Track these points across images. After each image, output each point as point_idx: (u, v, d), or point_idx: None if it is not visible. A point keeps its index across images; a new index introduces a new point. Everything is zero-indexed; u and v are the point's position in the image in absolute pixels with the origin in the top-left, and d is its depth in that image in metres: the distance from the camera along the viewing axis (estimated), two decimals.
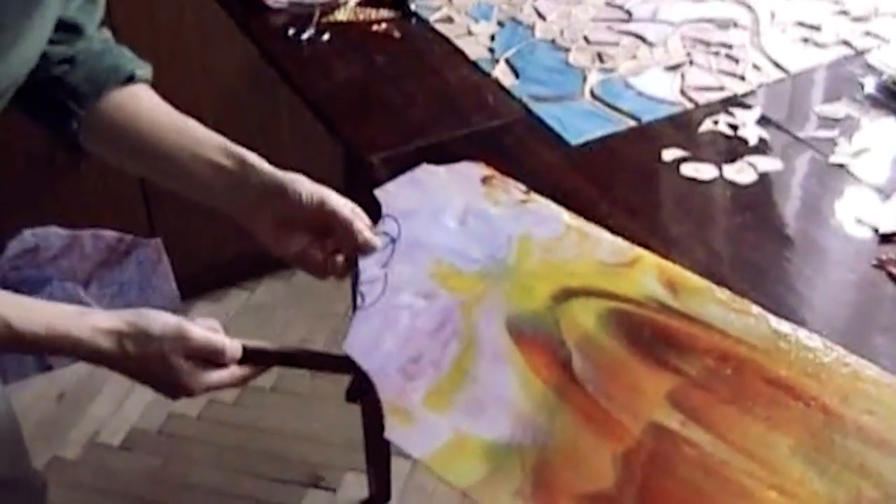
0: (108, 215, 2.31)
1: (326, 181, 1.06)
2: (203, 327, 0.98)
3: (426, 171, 1.17)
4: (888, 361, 0.93)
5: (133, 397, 2.33)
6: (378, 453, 1.99)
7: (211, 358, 0.97)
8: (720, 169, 1.21)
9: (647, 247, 1.06)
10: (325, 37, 1.50)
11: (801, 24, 1.53)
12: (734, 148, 1.25)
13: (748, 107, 1.33)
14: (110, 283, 2.36)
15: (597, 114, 1.32)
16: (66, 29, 1.07)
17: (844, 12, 1.55)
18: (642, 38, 1.50)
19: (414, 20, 1.56)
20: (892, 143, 1.27)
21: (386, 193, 1.13)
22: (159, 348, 0.94)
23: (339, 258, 1.07)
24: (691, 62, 1.44)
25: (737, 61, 1.43)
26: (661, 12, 1.57)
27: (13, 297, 0.94)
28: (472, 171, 1.17)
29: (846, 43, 1.48)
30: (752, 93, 1.37)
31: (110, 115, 1.08)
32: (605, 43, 1.49)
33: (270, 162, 1.06)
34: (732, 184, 1.19)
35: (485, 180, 1.15)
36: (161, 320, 0.96)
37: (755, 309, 0.98)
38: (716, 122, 1.30)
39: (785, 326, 0.96)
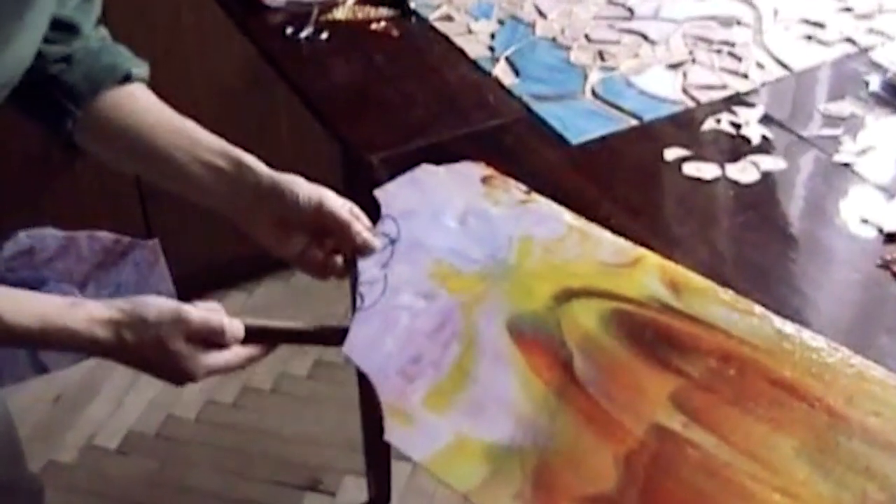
0: (104, 216, 2.31)
1: (325, 182, 1.06)
2: (202, 308, 0.97)
3: (426, 171, 1.17)
4: (894, 362, 0.93)
5: (130, 399, 2.33)
6: (378, 456, 1.99)
7: (211, 339, 0.96)
8: (723, 168, 1.21)
9: (648, 247, 1.06)
10: (324, 35, 1.50)
11: (804, 21, 1.53)
12: (737, 147, 1.25)
13: (751, 105, 1.33)
14: (107, 284, 2.37)
15: (598, 113, 1.32)
16: (63, 28, 1.07)
17: (848, 9, 1.55)
18: (644, 36, 1.50)
19: (413, 19, 1.56)
20: None
21: (385, 194, 1.13)
22: (157, 334, 0.94)
23: (339, 259, 1.07)
24: (693, 60, 1.44)
25: (739, 59, 1.43)
26: (663, 10, 1.57)
27: (4, 289, 0.93)
28: (473, 170, 1.17)
29: (850, 40, 1.48)
30: (754, 91, 1.37)
31: (106, 115, 1.08)
32: (607, 41, 1.49)
33: (269, 162, 1.06)
34: (735, 183, 1.19)
35: (485, 180, 1.15)
36: (157, 305, 0.95)
37: (758, 309, 0.98)
38: (718, 121, 1.30)
39: (789, 327, 0.96)
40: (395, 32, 1.52)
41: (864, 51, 1.46)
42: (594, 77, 1.40)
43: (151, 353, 0.95)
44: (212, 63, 2.26)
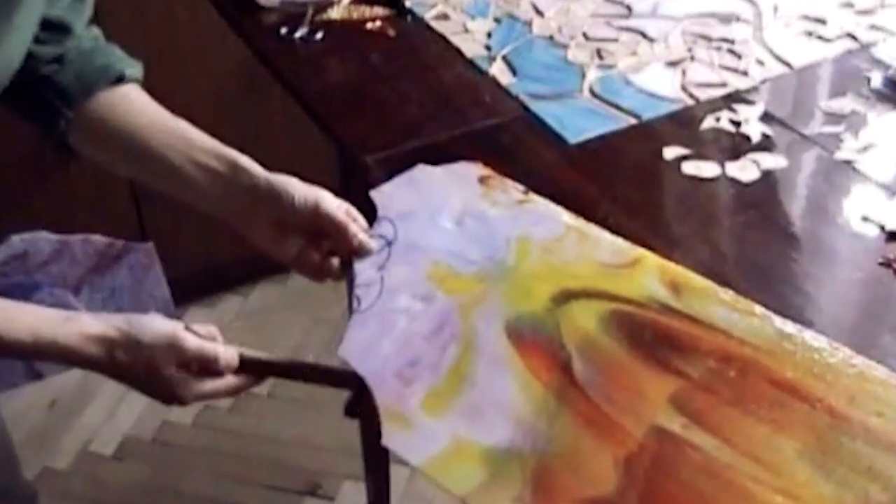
0: (98, 219, 2.31)
1: (322, 183, 1.06)
2: (199, 334, 0.98)
3: (422, 172, 1.17)
4: None
5: (125, 405, 2.33)
6: (377, 460, 1.98)
7: (204, 367, 0.97)
8: (723, 167, 1.21)
9: (648, 247, 1.06)
10: (319, 35, 1.51)
11: (804, 17, 1.53)
12: (737, 145, 1.25)
13: (751, 103, 1.33)
14: (101, 288, 2.37)
15: (596, 111, 1.32)
16: (54, 28, 1.07)
17: (849, 5, 1.55)
18: (642, 34, 1.50)
19: (409, 18, 1.56)
20: None
21: (381, 195, 1.13)
22: (150, 357, 0.94)
23: (335, 261, 1.07)
24: (692, 58, 1.44)
25: (739, 56, 1.43)
26: (661, 7, 1.57)
27: None
28: (470, 171, 1.17)
29: (851, 36, 1.48)
30: (754, 89, 1.37)
31: (100, 116, 1.08)
32: (605, 39, 1.49)
33: (264, 164, 1.06)
34: (735, 182, 1.19)
35: (482, 180, 1.16)
36: (153, 328, 0.95)
37: (759, 309, 0.98)
38: (718, 119, 1.30)
39: (790, 327, 0.96)
40: (390, 32, 1.52)
41: (866, 47, 1.46)
42: (592, 75, 1.40)
43: (142, 374, 0.95)
44: (206, 64, 2.26)
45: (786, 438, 0.86)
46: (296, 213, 1.02)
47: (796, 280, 1.06)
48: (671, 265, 1.04)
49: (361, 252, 1.04)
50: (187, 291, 2.50)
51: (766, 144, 1.26)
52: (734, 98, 1.35)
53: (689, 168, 1.21)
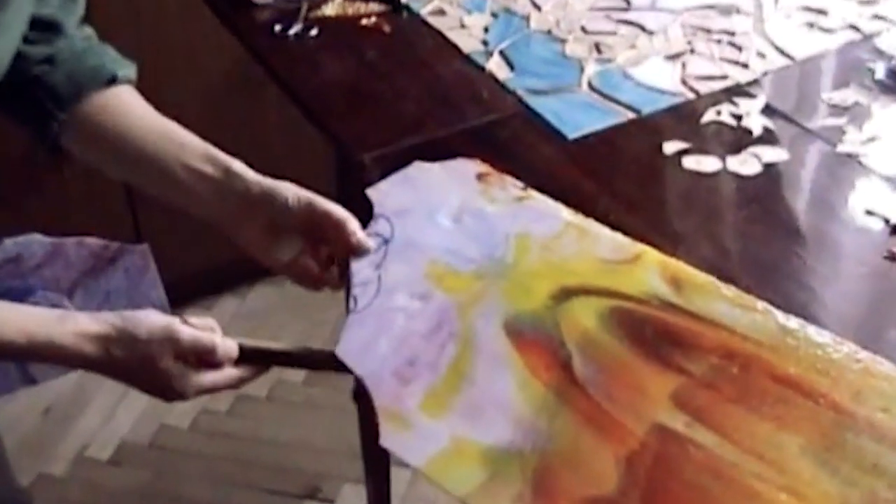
0: (92, 221, 2.31)
1: (318, 181, 1.06)
2: (196, 326, 0.97)
3: (419, 169, 1.17)
4: None
5: (122, 409, 2.33)
6: (377, 462, 1.98)
7: (203, 358, 0.97)
8: (723, 161, 1.21)
9: (648, 243, 1.06)
10: (313, 32, 1.51)
11: (806, 8, 1.53)
12: (738, 139, 1.26)
13: (752, 96, 1.33)
14: (96, 291, 2.37)
15: (595, 106, 1.33)
16: (45, 27, 1.07)
17: None
18: (641, 27, 1.50)
19: (405, 13, 1.56)
20: None
21: (378, 193, 1.13)
22: (147, 351, 0.94)
23: (335, 269, 1.06)
24: (692, 51, 1.44)
25: (740, 49, 1.44)
26: (660, 0, 1.57)
27: None
28: (467, 167, 1.17)
29: (854, 27, 1.48)
30: (756, 81, 1.37)
31: (92, 118, 1.08)
32: (603, 32, 1.49)
33: (259, 163, 1.06)
34: (737, 176, 1.19)
35: (480, 177, 1.16)
36: (148, 322, 0.95)
37: (761, 304, 0.98)
38: (718, 113, 1.30)
39: (793, 322, 0.96)
40: (386, 28, 1.52)
41: (869, 37, 1.46)
42: (590, 70, 1.40)
43: (140, 370, 0.95)
44: (200, 62, 2.26)
45: (790, 435, 0.86)
46: (290, 213, 1.02)
47: (800, 275, 1.06)
48: (672, 261, 1.04)
49: (359, 251, 1.04)
50: (184, 293, 2.50)
51: (767, 138, 1.26)
52: (735, 91, 1.35)
53: (690, 162, 1.22)
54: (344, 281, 1.06)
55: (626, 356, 0.93)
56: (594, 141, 1.27)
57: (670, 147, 1.24)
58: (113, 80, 1.09)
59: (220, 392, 1.01)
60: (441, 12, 1.56)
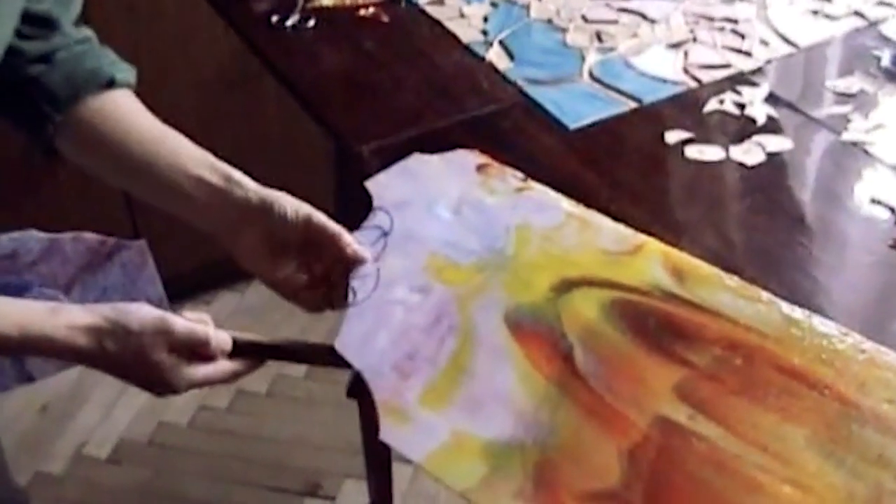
0: (89, 216, 2.31)
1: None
2: (190, 319, 0.98)
3: (419, 161, 1.17)
4: None
5: (120, 407, 2.33)
6: (378, 458, 1.98)
7: (196, 350, 0.97)
8: (727, 150, 1.21)
9: (651, 234, 1.06)
10: (311, 23, 1.51)
11: None
12: (741, 128, 1.26)
13: (755, 84, 1.33)
14: (93, 287, 2.37)
15: (596, 96, 1.33)
16: (40, 23, 1.06)
17: None
18: (643, 16, 1.50)
19: (403, 3, 1.56)
20: None
21: (377, 185, 1.13)
22: (139, 343, 0.94)
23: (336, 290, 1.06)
24: (695, 39, 1.44)
25: (743, 37, 1.43)
26: None
27: None
28: (467, 159, 1.17)
29: (859, 14, 1.48)
30: (759, 69, 1.37)
31: (89, 122, 1.07)
32: (604, 21, 1.49)
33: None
34: (740, 165, 1.19)
35: (480, 168, 1.16)
36: (141, 314, 0.95)
37: (765, 295, 0.98)
38: (721, 102, 1.30)
39: (797, 313, 0.96)
40: (384, 18, 1.52)
41: (874, 24, 1.46)
42: (592, 59, 1.40)
43: (133, 362, 0.95)
44: (197, 55, 2.26)
45: (794, 427, 0.86)
46: (287, 226, 1.02)
47: (804, 265, 1.06)
48: (674, 252, 1.04)
49: (356, 262, 1.04)
50: (182, 289, 2.51)
51: (771, 127, 1.26)
52: (738, 80, 1.35)
53: (693, 152, 1.22)
54: (342, 301, 1.05)
55: (628, 348, 0.94)
56: (595, 131, 1.27)
57: (672, 137, 1.24)
58: (111, 84, 1.09)
59: (213, 386, 1.00)
60: (440, 2, 1.56)
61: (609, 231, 1.07)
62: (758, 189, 1.16)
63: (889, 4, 1.49)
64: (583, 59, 1.40)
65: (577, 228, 1.07)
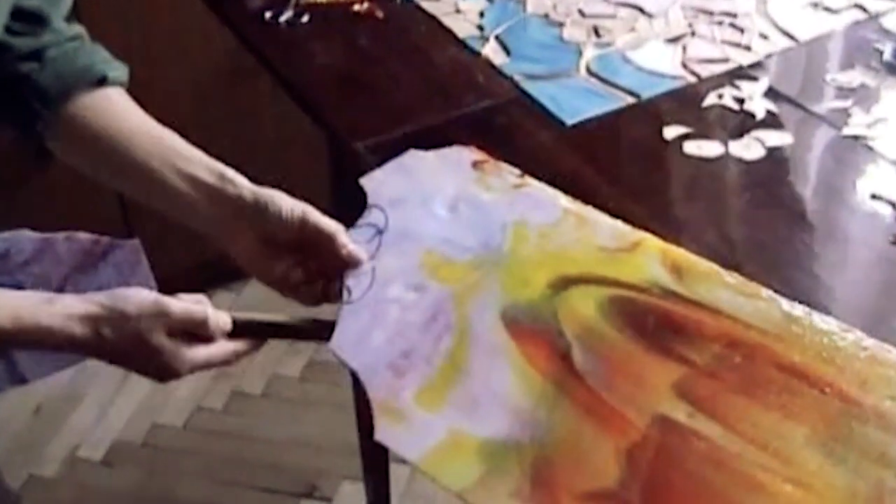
0: (81, 216, 2.31)
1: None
2: (186, 300, 0.97)
3: (414, 158, 1.17)
4: None
5: (114, 408, 2.33)
6: (375, 459, 1.99)
7: (195, 331, 0.96)
8: (726, 145, 1.21)
9: (649, 230, 1.06)
10: (305, 19, 1.50)
11: None
12: (741, 123, 1.25)
13: (755, 79, 1.33)
14: (86, 288, 2.36)
15: (593, 91, 1.32)
16: (30, 20, 1.06)
17: None
18: (641, 10, 1.50)
19: None
20: None
21: (372, 182, 1.13)
22: (137, 328, 0.93)
23: (320, 284, 1.06)
24: (693, 33, 1.44)
25: (742, 31, 1.43)
26: None
27: None
28: (463, 155, 1.17)
29: (859, 6, 1.48)
30: (758, 64, 1.37)
31: (79, 119, 1.07)
32: (602, 16, 1.49)
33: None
34: (740, 161, 1.19)
35: (476, 165, 1.16)
36: (136, 298, 0.95)
37: (765, 292, 0.98)
38: (720, 96, 1.30)
39: (798, 309, 0.96)
40: (379, 13, 1.52)
41: (875, 17, 1.46)
42: (589, 54, 1.40)
43: (131, 348, 0.94)
44: (190, 51, 2.26)
45: (795, 425, 0.86)
46: (282, 225, 1.01)
47: (805, 262, 1.06)
48: (673, 248, 1.04)
49: (352, 262, 1.03)
50: (176, 289, 2.45)
51: (771, 121, 1.25)
52: (737, 74, 1.35)
53: (691, 147, 1.21)
54: (338, 295, 1.05)
55: (626, 346, 0.93)
56: (593, 127, 1.26)
57: (671, 132, 1.24)
58: (103, 81, 1.08)
59: (214, 368, 1.00)
60: None
61: (607, 228, 1.07)
62: (757, 185, 1.16)
63: None
64: (580, 53, 1.40)
65: (575, 225, 1.07)
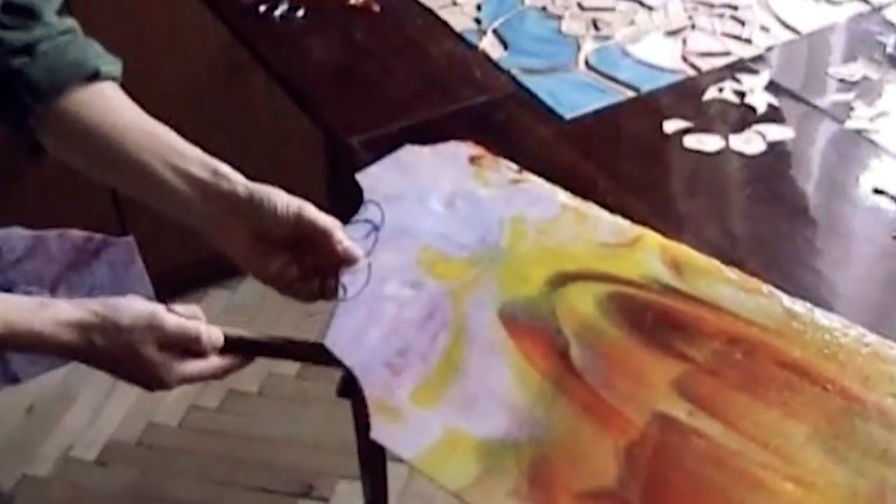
0: (74, 212, 2.31)
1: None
2: (181, 314, 0.98)
3: (410, 153, 1.17)
4: None
5: (108, 408, 2.33)
6: (373, 458, 1.98)
7: (187, 346, 0.97)
8: (726, 140, 1.21)
9: (649, 225, 1.06)
10: (300, 13, 1.50)
11: None
12: (741, 117, 1.25)
13: (756, 72, 1.33)
14: (80, 286, 2.37)
15: (592, 85, 1.32)
16: (21, 13, 1.06)
17: None
18: (640, 2, 1.49)
19: None
20: None
21: (368, 177, 1.13)
22: (129, 340, 0.94)
23: (316, 281, 1.06)
24: (693, 26, 1.44)
25: (743, 23, 1.43)
26: None
27: None
28: (460, 150, 1.17)
29: None
30: (760, 57, 1.37)
31: (72, 114, 1.06)
32: (601, 8, 1.49)
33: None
34: (740, 155, 1.19)
35: (473, 160, 1.15)
36: (131, 309, 0.95)
37: (766, 288, 0.98)
38: (721, 90, 1.30)
39: (799, 305, 0.96)
40: (374, 7, 1.52)
41: (878, 9, 1.46)
42: (588, 47, 1.40)
43: (122, 358, 0.95)
44: (184, 46, 2.26)
45: (796, 423, 0.86)
46: (277, 221, 1.01)
47: (806, 257, 1.06)
48: (673, 244, 1.04)
49: (347, 260, 1.03)
50: (171, 287, 2.50)
51: (772, 115, 1.25)
52: (738, 67, 1.35)
53: (692, 142, 1.21)
54: (335, 292, 1.05)
55: (625, 343, 0.93)
56: (592, 121, 1.26)
57: (671, 126, 1.24)
58: (95, 76, 1.08)
59: (203, 381, 1.01)
60: None
61: (606, 223, 1.06)
62: (759, 179, 1.16)
63: None
64: (578, 47, 1.40)
65: (573, 221, 1.07)
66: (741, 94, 1.29)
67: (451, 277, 1.01)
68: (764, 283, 0.99)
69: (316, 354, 0.99)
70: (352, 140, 1.24)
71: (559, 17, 1.47)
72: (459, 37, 1.45)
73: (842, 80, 1.31)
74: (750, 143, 1.20)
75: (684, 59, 1.37)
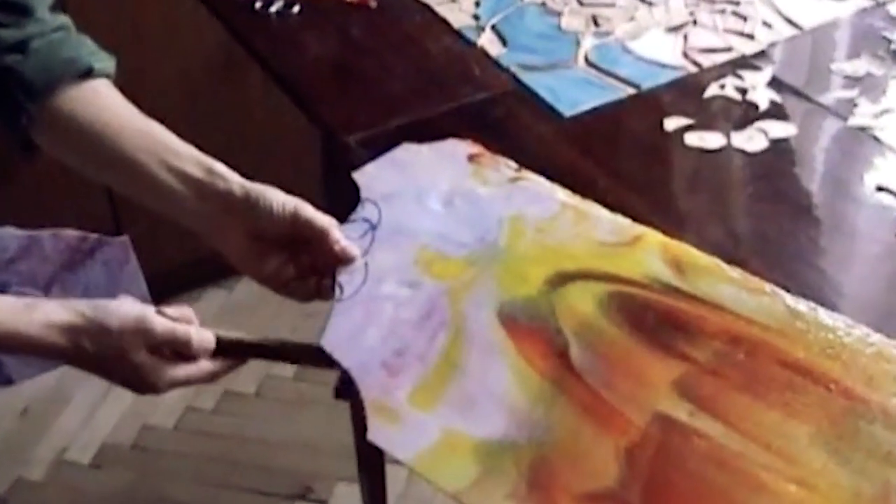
0: (69, 212, 2.31)
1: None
2: (171, 317, 0.98)
3: (408, 151, 1.17)
4: None
5: (103, 410, 2.33)
6: (371, 460, 1.98)
7: (178, 350, 0.97)
8: (728, 137, 1.21)
9: (649, 224, 1.06)
10: (296, 9, 1.50)
11: None
12: (743, 114, 1.25)
13: (758, 68, 1.33)
14: (74, 286, 2.36)
15: (592, 82, 1.32)
16: (13, 10, 1.05)
17: None
18: None
19: None
20: None
21: (365, 176, 1.13)
22: (118, 344, 0.94)
23: (312, 280, 1.06)
24: (695, 22, 1.44)
25: (745, 19, 1.43)
26: None
27: None
28: (458, 148, 1.17)
29: None
30: (762, 53, 1.37)
31: (65, 112, 1.06)
32: (601, 4, 1.49)
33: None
34: (742, 153, 1.19)
35: (472, 158, 1.15)
36: (121, 312, 0.95)
37: (769, 287, 0.98)
38: (722, 87, 1.30)
39: (802, 305, 0.96)
40: (372, 3, 1.52)
41: (882, 4, 1.46)
42: (587, 43, 1.40)
43: (111, 362, 0.95)
44: (180, 43, 2.26)
45: (799, 424, 0.86)
46: (273, 221, 1.01)
47: (810, 255, 1.06)
48: (674, 243, 1.03)
49: (345, 259, 1.03)
50: (167, 287, 2.49)
51: (774, 112, 1.25)
52: (740, 63, 1.35)
53: (693, 139, 1.21)
54: (331, 292, 1.05)
55: (626, 343, 0.93)
56: (591, 118, 1.26)
57: (672, 123, 1.24)
58: (89, 73, 1.08)
59: (194, 385, 1.01)
60: None
61: (606, 222, 1.06)
62: (761, 177, 1.16)
63: None
64: (578, 43, 1.40)
65: (573, 219, 1.07)
66: (743, 91, 1.29)
67: (449, 277, 1.01)
68: (766, 283, 0.99)
69: (311, 356, 0.99)
70: (349, 138, 1.24)
71: (559, 14, 1.47)
72: (458, 33, 1.45)
73: (845, 77, 1.31)
74: (752, 140, 1.21)
75: (685, 55, 1.37)
